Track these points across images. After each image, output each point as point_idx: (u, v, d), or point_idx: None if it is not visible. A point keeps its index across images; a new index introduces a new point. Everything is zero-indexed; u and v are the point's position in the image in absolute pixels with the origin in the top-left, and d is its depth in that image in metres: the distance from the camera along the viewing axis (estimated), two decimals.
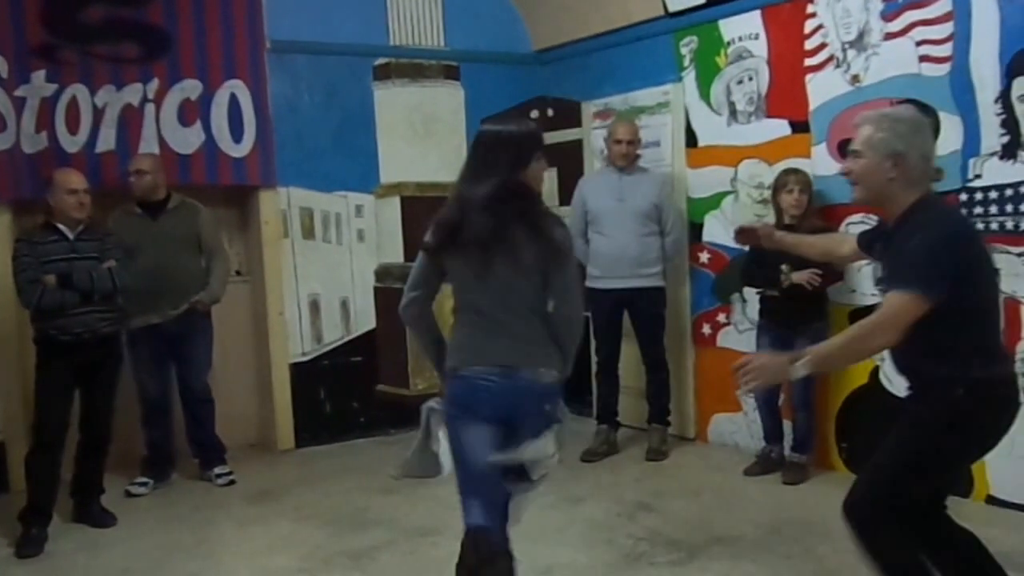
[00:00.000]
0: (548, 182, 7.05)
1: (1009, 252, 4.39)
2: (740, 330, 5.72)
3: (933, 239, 2.81)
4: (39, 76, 5.47)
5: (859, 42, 4.97)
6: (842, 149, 5.06)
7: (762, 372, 2.80)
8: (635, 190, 5.68)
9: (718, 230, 5.81)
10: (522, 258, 2.86)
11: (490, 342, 2.92)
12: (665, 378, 5.86)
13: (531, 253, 2.86)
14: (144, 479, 5.44)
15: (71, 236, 4.70)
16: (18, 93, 5.42)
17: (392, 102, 6.60)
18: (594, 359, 5.97)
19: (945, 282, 2.73)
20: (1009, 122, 4.37)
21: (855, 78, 5.00)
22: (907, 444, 2.93)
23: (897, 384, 4.86)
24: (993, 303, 3.00)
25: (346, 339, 6.50)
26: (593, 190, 5.81)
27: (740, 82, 5.62)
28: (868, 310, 5.01)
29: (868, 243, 3.24)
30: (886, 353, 3.00)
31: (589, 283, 5.77)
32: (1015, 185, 4.35)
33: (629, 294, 5.65)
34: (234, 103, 5.96)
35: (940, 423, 2.88)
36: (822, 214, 5.10)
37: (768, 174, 5.37)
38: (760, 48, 5.49)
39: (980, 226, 4.47)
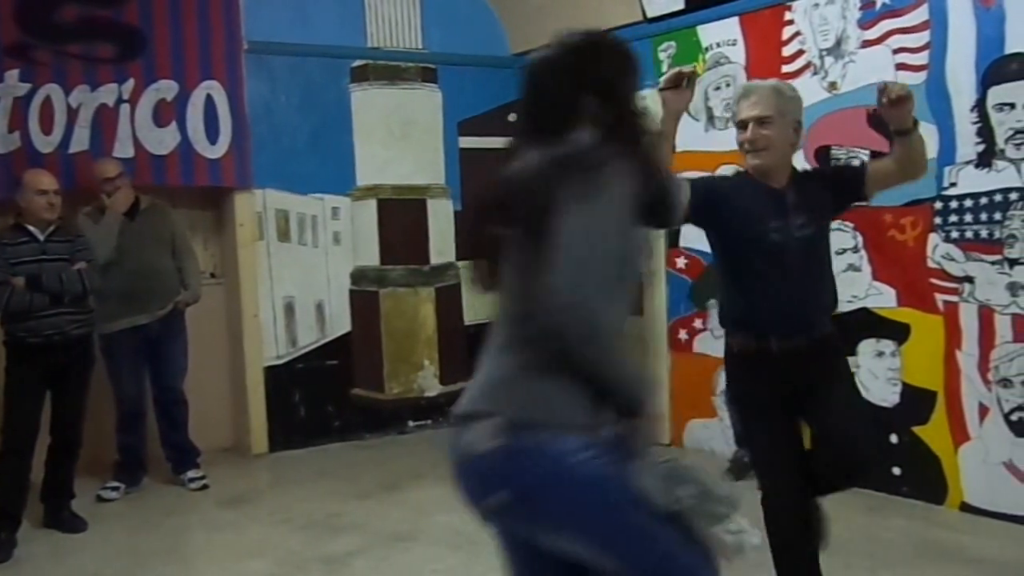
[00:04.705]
0: None
1: (984, 260, 4.41)
2: (716, 336, 5.71)
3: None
4: (12, 75, 5.40)
5: (836, 49, 4.98)
6: (819, 155, 5.08)
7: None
8: None
9: (695, 235, 5.80)
10: None
11: None
12: None
13: None
14: (116, 483, 5.38)
15: (41, 237, 4.65)
16: None
17: (369, 104, 6.57)
18: None
19: None
20: (984, 131, 4.39)
21: (832, 85, 5.02)
22: (855, 394, 3.40)
23: (874, 391, 4.90)
24: None
25: (321, 342, 6.46)
26: None
27: (718, 88, 5.62)
28: (846, 316, 5.04)
29: (701, 198, 3.02)
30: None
31: None
32: (990, 193, 4.38)
33: None
34: (210, 104, 5.91)
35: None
36: None
37: None
38: (738, 54, 5.50)
39: (955, 235, 4.51)
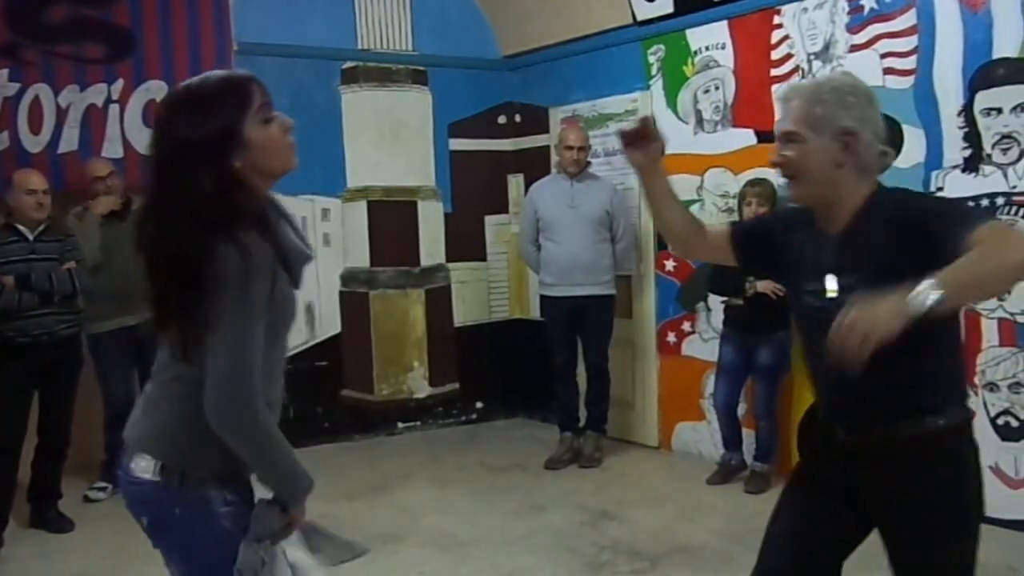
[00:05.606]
0: (515, 188, 7.07)
1: None
2: (705, 339, 5.74)
3: (939, 198, 2.53)
4: (1, 75, 5.40)
5: (824, 53, 5.00)
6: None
7: (872, 323, 1.83)
8: (587, 197, 5.72)
9: None
10: None
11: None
12: (605, 386, 5.90)
13: None
14: (103, 484, 5.35)
15: (30, 237, 4.64)
16: None
17: (360, 106, 6.57)
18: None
19: None
20: (971, 135, 4.41)
21: None
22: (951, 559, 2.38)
23: None
24: None
25: (311, 343, 6.46)
26: (544, 197, 5.85)
27: (707, 91, 5.64)
28: None
29: (746, 248, 2.51)
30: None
31: (542, 291, 5.88)
32: (977, 198, 4.39)
33: (584, 301, 5.68)
34: None
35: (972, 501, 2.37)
36: None
37: (734, 183, 5.40)
38: (727, 58, 5.52)
39: None
